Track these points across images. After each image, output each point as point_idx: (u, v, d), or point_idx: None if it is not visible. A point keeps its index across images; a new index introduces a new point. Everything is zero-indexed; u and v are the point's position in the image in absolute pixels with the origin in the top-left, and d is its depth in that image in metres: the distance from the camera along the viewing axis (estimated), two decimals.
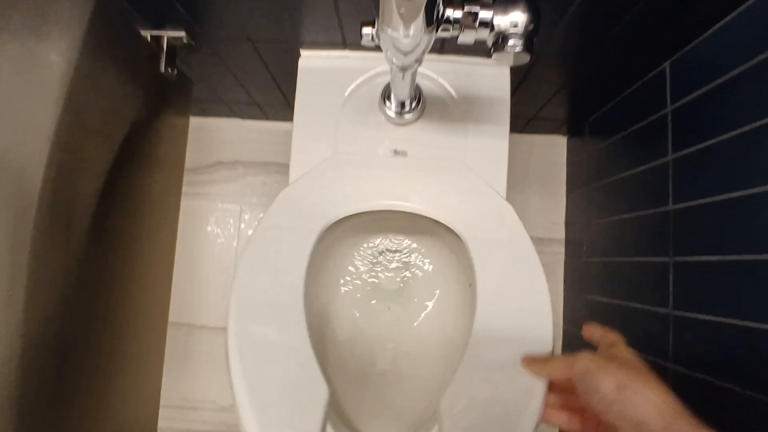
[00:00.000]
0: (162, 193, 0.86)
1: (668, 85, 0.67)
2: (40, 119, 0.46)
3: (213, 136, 1.07)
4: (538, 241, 1.02)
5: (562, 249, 1.02)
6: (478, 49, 0.68)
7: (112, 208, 0.65)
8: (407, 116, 0.68)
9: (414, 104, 0.67)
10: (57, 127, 0.47)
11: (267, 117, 1.06)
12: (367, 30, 0.49)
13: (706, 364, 0.56)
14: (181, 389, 1.01)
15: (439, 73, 0.70)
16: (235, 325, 0.50)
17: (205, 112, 1.05)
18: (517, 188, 1.05)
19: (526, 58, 0.44)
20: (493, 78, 0.70)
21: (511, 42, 0.43)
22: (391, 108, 0.68)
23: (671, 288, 0.63)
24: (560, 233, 1.03)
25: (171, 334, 1.00)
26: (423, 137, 0.69)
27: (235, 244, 1.05)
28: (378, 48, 0.49)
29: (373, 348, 0.76)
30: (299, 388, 0.47)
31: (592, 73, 0.74)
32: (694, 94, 0.61)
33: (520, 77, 0.76)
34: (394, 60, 0.49)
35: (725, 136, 0.55)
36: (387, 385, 0.71)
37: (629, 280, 0.74)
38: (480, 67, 0.70)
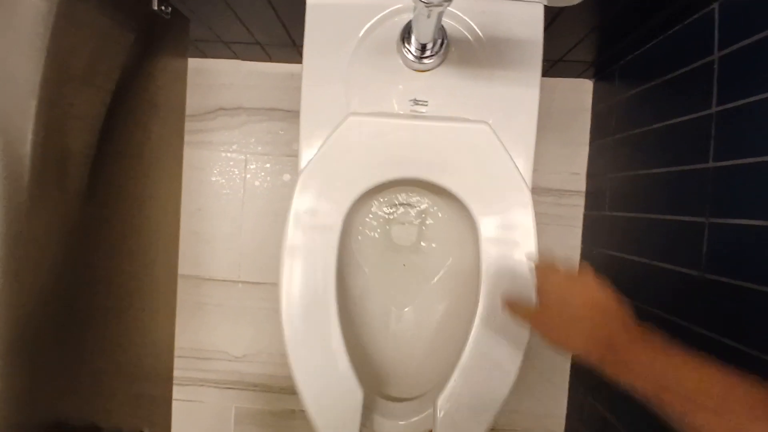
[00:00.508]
0: (163, 142, 0.81)
1: (716, 29, 0.60)
2: (22, 70, 0.41)
3: (213, 80, 1.00)
4: (556, 193, 0.98)
5: (581, 201, 0.98)
6: None
7: (109, 163, 0.60)
8: (428, 61, 0.62)
9: (437, 48, 0.61)
10: (42, 79, 0.42)
11: (270, 58, 0.98)
12: None
13: (738, 331, 0.54)
14: (194, 340, 1.01)
15: (465, 11, 0.63)
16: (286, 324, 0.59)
17: (203, 54, 0.97)
18: (537, 135, 0.99)
19: None
20: (524, 17, 0.63)
21: None
22: (411, 51, 0.61)
23: (704, 249, 0.60)
24: (580, 185, 0.98)
25: (181, 286, 0.98)
26: (445, 85, 0.63)
27: (241, 194, 1.01)
28: None
29: (387, 305, 0.75)
30: (339, 391, 0.57)
31: (630, 11, 0.67)
32: (747, 41, 0.55)
33: (552, 15, 0.68)
34: None
35: None
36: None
37: (658, 239, 0.70)
38: (511, 4, 0.63)
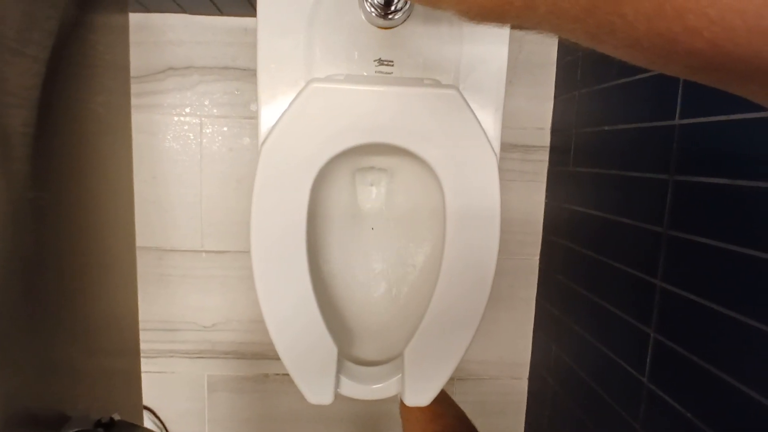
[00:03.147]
0: (108, 108, 0.75)
1: None
2: None
3: (158, 37, 0.92)
4: (522, 149, 0.98)
5: (546, 156, 0.99)
6: None
7: (53, 139, 0.55)
8: (394, 16, 0.58)
9: (401, 2, 0.57)
10: None
11: (220, 11, 0.91)
12: None
13: (697, 285, 0.56)
14: (161, 313, 0.99)
15: None
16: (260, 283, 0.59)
17: (145, 7, 0.89)
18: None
19: None
20: None
21: None
22: (375, 4, 0.57)
23: (668, 206, 0.62)
24: (545, 140, 0.98)
25: (142, 259, 0.94)
26: (411, 43, 0.60)
27: (198, 159, 0.95)
28: None
29: (355, 268, 0.75)
30: (313, 347, 0.59)
31: None
32: None
33: None
34: None
35: None
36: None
37: (622, 195, 0.72)
38: None
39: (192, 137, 0.95)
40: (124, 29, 0.79)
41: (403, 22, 0.59)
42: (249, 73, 0.94)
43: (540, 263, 1.00)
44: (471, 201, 0.59)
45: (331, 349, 0.60)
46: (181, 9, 0.90)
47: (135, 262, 0.92)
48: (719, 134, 0.53)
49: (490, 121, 0.61)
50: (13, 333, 0.51)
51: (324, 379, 0.60)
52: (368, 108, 0.57)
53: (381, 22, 0.58)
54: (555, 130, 0.97)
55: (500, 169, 0.59)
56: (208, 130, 0.95)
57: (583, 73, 0.86)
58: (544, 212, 1.00)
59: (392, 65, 0.60)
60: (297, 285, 0.59)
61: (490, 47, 0.60)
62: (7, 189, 0.46)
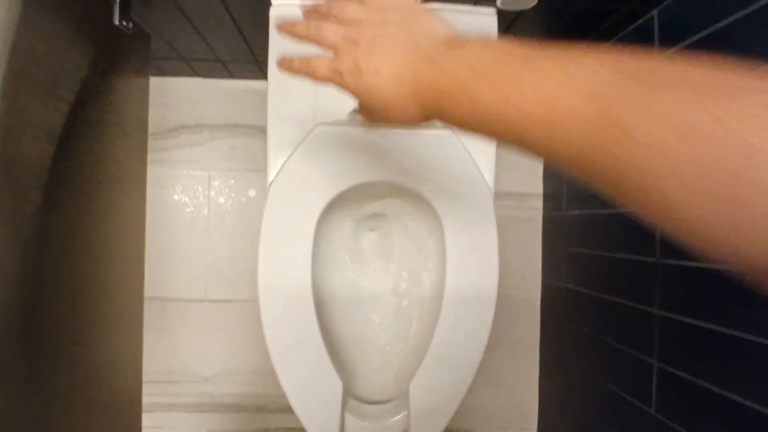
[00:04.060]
0: (125, 160, 0.79)
1: (656, 32, 0.66)
2: None
3: (173, 98, 0.99)
4: (518, 197, 1.02)
5: (540, 203, 1.03)
6: None
7: (69, 177, 0.59)
8: None
9: None
10: (2, 83, 0.41)
11: (231, 75, 0.99)
12: None
13: (693, 309, 0.58)
14: (162, 363, 0.98)
15: None
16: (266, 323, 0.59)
17: (162, 72, 0.97)
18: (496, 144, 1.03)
19: (533, 1, 0.41)
20: (479, 25, 0.66)
21: None
22: None
23: (658, 237, 0.64)
24: (538, 187, 1.03)
25: (146, 309, 0.95)
26: None
27: (205, 212, 0.99)
28: None
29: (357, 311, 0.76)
30: (318, 382, 0.60)
31: (579, 19, 0.72)
32: (684, 43, 0.60)
33: (506, 25, 0.73)
34: None
35: None
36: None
37: (614, 232, 0.75)
38: (467, 15, 0.66)
39: (200, 189, 0.99)
40: (145, 89, 0.86)
41: None
42: (256, 130, 1.00)
43: (541, 306, 1.01)
44: (468, 233, 0.62)
45: (336, 384, 0.60)
46: (195, 73, 0.97)
47: (142, 313, 0.93)
48: None
49: (483, 163, 0.65)
50: (9, 389, 0.51)
51: (329, 414, 0.59)
52: (370, 148, 0.61)
53: None
54: (547, 178, 1.02)
55: (497, 216, 0.63)
56: (215, 183, 0.99)
57: None
58: (542, 259, 1.02)
59: None
60: (302, 319, 0.60)
61: None
62: (18, 214, 0.49)
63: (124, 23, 0.62)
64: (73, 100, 0.55)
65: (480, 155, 0.64)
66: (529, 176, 1.03)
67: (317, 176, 0.61)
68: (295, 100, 0.66)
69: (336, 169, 0.61)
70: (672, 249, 0.62)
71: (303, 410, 0.59)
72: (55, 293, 0.61)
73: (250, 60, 0.90)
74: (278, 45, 0.66)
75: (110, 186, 0.73)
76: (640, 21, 0.69)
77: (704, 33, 0.57)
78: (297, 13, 0.65)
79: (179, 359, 0.98)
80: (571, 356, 0.88)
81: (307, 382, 0.60)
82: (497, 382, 1.01)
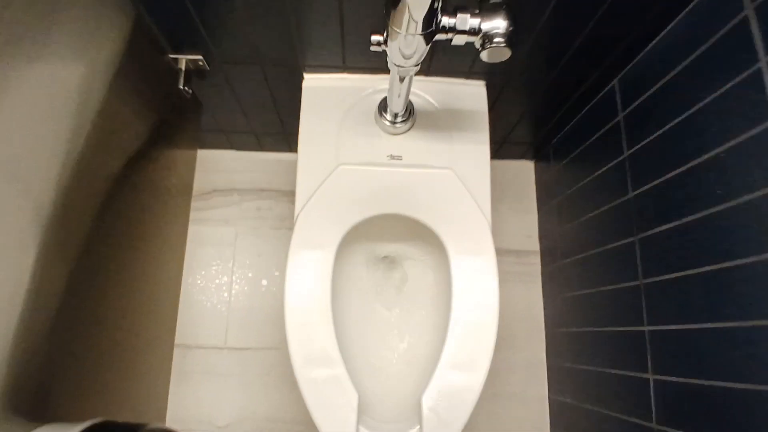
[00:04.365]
0: (171, 221, 0.91)
1: (618, 98, 0.80)
2: (60, 127, 0.51)
3: (210, 166, 1.13)
4: (516, 254, 1.11)
5: (538, 259, 1.11)
6: (459, 70, 0.80)
7: (119, 229, 0.68)
8: (400, 125, 0.78)
9: (407, 115, 0.77)
10: (84, 145, 0.51)
11: (261, 147, 1.14)
12: (375, 37, 0.59)
13: (686, 315, 0.64)
14: (178, 411, 1.00)
15: (427, 92, 0.82)
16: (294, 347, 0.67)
17: (204, 145, 1.12)
18: (493, 207, 1.14)
19: (507, 53, 0.55)
20: (471, 94, 0.81)
21: (496, 39, 0.54)
22: (387, 118, 0.77)
23: (638, 261, 0.72)
24: (535, 245, 1.12)
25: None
26: (415, 144, 0.79)
27: (230, 265, 1.08)
28: (381, 55, 0.59)
29: (371, 342, 0.82)
30: (336, 391, 0.66)
31: (552, 93, 0.87)
32: (640, 100, 0.74)
33: (494, 97, 0.88)
34: (396, 62, 0.59)
35: (670, 124, 0.67)
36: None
37: (602, 268, 0.83)
38: (460, 86, 0.82)
39: (227, 244, 1.09)
40: (194, 157, 1.01)
41: (408, 130, 0.79)
42: (281, 194, 1.12)
43: (547, 356, 1.04)
44: (470, 258, 0.71)
45: (352, 395, 0.64)
46: (231, 146, 1.13)
47: (171, 361, 0.97)
48: (664, 193, 0.68)
49: (480, 198, 0.76)
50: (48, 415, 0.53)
51: (346, 423, 0.63)
52: (382, 183, 0.73)
53: (392, 129, 0.78)
54: (542, 236, 1.11)
55: (499, 271, 0.71)
56: (241, 239, 1.10)
57: (557, 185, 1.04)
58: (544, 307, 1.08)
59: (401, 159, 0.77)
60: (322, 335, 0.67)
61: (474, 145, 0.79)
62: (66, 261, 0.56)
63: (186, 88, 0.77)
64: (127, 156, 0.66)
65: (477, 192, 0.75)
66: (525, 236, 1.13)
67: (338, 207, 0.72)
68: (320, 149, 0.78)
69: (353, 200, 0.72)
70: (652, 269, 0.69)
71: (321, 417, 0.63)
72: (96, 338, 0.66)
73: (280, 132, 1.05)
74: (308, 107, 0.80)
75: (155, 241, 0.83)
76: (604, 91, 0.84)
77: (654, 88, 0.70)
78: (324, 84, 0.82)
79: (196, 406, 1.00)
80: (580, 402, 0.90)
81: (325, 391, 0.64)
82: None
